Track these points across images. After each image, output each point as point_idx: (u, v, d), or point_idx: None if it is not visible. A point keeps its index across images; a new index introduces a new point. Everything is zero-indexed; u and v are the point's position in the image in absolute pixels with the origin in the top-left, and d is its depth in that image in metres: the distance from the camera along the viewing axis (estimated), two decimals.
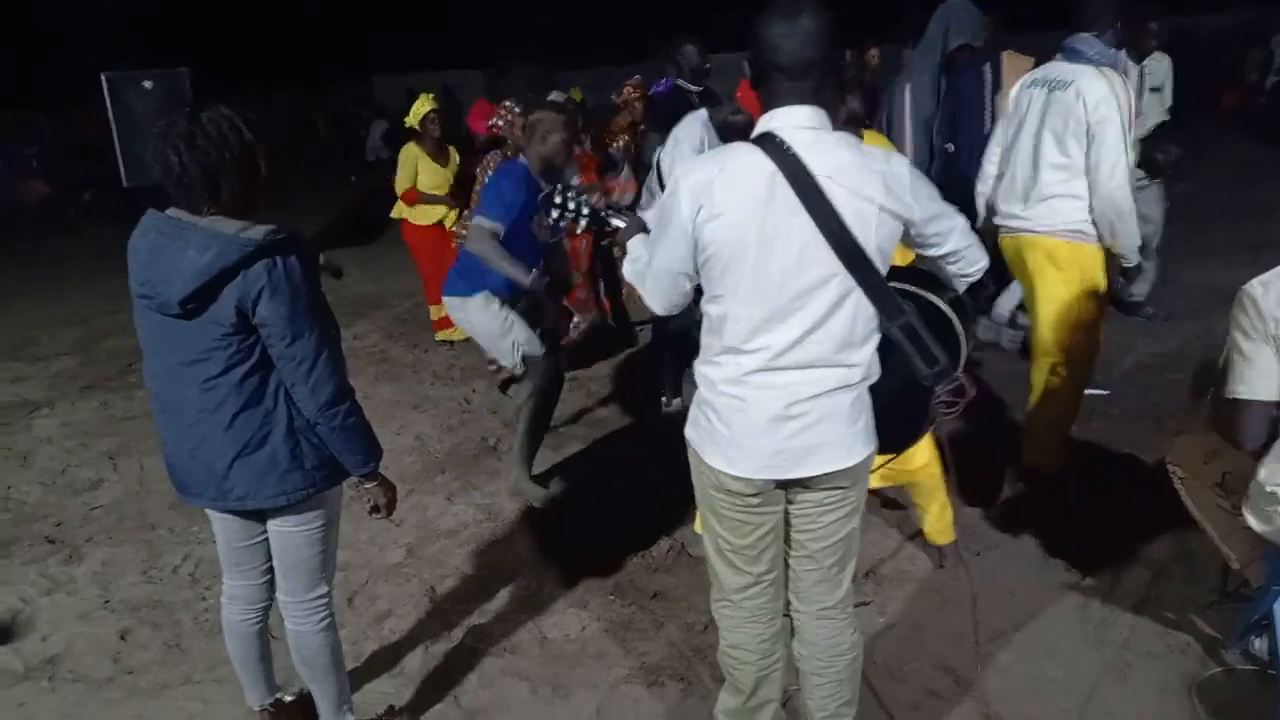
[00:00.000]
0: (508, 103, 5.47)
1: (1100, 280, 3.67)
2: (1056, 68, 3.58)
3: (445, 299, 4.17)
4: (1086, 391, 4.82)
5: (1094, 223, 3.55)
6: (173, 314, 2.15)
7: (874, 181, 1.92)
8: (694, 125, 4.47)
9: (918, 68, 4.27)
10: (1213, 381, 2.72)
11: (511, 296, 4.07)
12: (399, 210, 6.43)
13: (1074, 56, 3.52)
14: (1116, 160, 3.41)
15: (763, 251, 1.94)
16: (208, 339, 2.16)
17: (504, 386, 5.51)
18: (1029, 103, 3.63)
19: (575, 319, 6.06)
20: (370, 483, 2.44)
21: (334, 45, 23.09)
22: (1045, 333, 3.76)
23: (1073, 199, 3.54)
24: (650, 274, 2.16)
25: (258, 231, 2.11)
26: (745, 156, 1.96)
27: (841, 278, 1.94)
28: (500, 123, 5.41)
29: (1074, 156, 3.49)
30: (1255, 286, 2.33)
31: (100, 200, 13.24)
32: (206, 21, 21.76)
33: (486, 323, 4.05)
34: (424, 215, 6.34)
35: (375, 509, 2.51)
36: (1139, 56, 5.58)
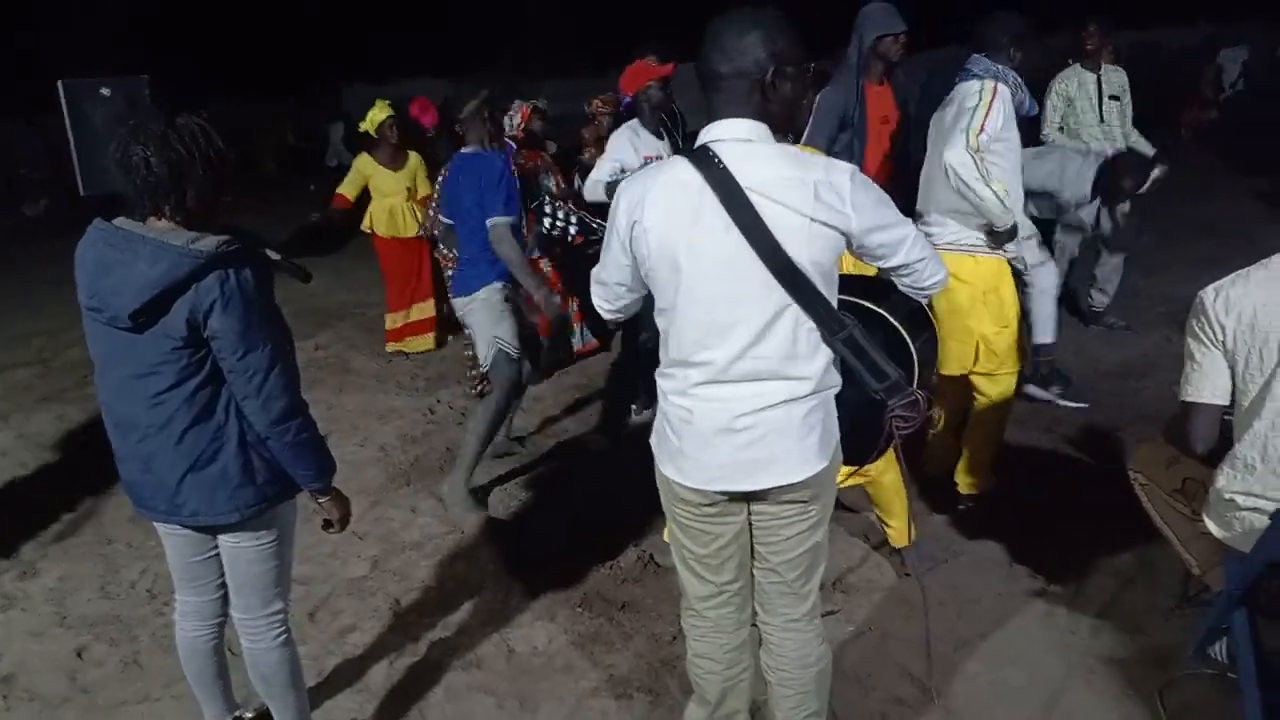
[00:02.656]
0: (519, 101, 5.52)
1: (1005, 291, 3.68)
2: (953, 89, 3.64)
3: (455, 300, 4.26)
4: (1065, 403, 4.88)
5: (989, 233, 3.57)
6: (122, 327, 2.10)
7: (805, 193, 1.88)
8: (620, 139, 4.51)
9: (835, 75, 4.37)
10: None
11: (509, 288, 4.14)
12: (369, 221, 6.41)
13: (964, 75, 3.59)
14: (955, 137, 3.41)
15: (693, 265, 1.93)
16: (158, 352, 2.12)
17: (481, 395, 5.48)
18: (933, 127, 3.70)
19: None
20: (323, 497, 2.40)
21: (301, 54, 22.92)
22: (953, 347, 3.70)
23: (968, 214, 3.55)
24: (599, 281, 2.20)
25: (209, 243, 2.07)
26: (676, 170, 1.96)
27: (776, 291, 1.92)
28: (520, 121, 5.40)
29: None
30: (1208, 293, 2.37)
31: (56, 209, 13.05)
32: (169, 31, 21.54)
33: (486, 311, 4.09)
34: (389, 227, 6.32)
35: (329, 524, 2.47)
36: (1092, 66, 5.68)
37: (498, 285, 4.08)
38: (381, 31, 24.16)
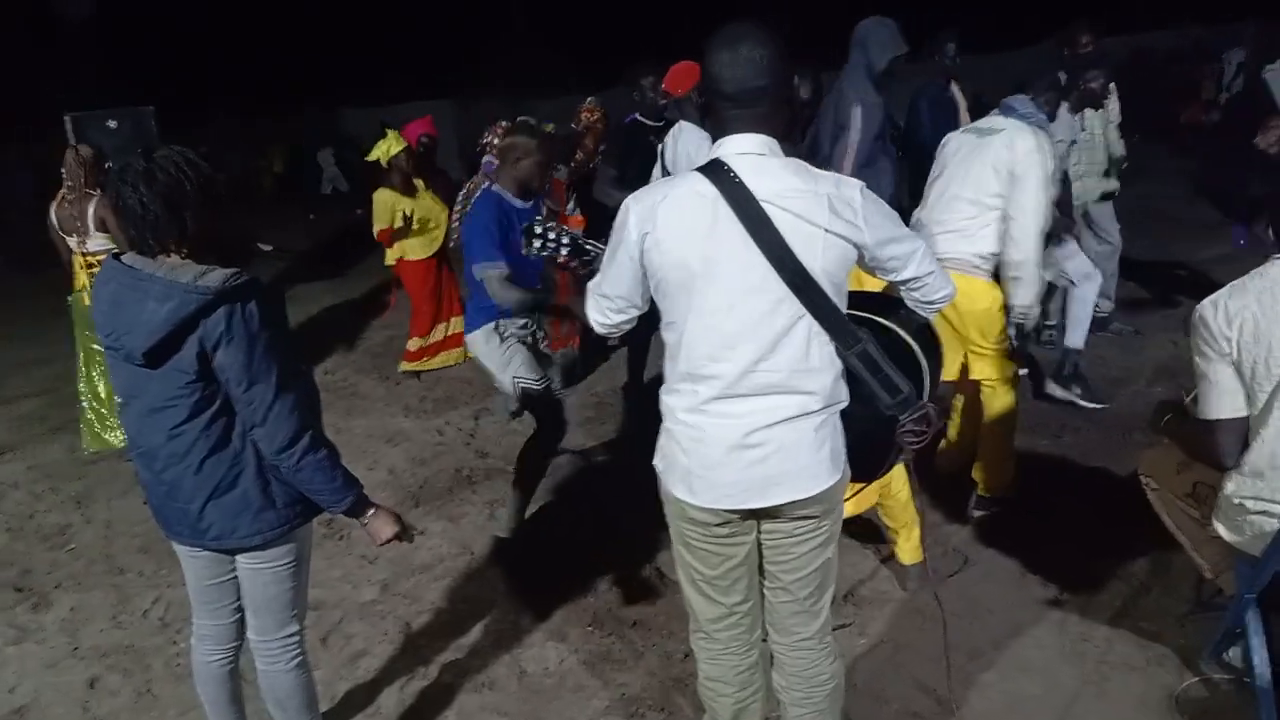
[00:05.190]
0: (504, 122, 5.50)
1: (990, 311, 3.69)
2: (989, 120, 3.75)
3: (466, 337, 4.12)
4: (1081, 402, 4.90)
5: (989, 258, 3.63)
6: (138, 363, 2.13)
7: (819, 205, 1.91)
8: (701, 142, 4.41)
9: (853, 86, 4.39)
10: (1169, 410, 2.75)
11: (519, 317, 4.00)
12: (399, 252, 6.33)
13: (1008, 112, 3.70)
14: (1036, 211, 3.52)
15: (708, 277, 1.94)
16: (172, 387, 2.15)
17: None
18: (959, 147, 3.75)
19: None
20: (361, 518, 2.38)
21: (298, 78, 23.05)
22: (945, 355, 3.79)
23: (974, 237, 3.61)
24: (599, 295, 2.16)
25: (215, 277, 2.09)
26: (690, 183, 1.97)
27: (790, 302, 1.93)
28: (495, 140, 5.38)
29: (988, 198, 3.58)
30: (1206, 307, 2.35)
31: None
32: (168, 58, 21.69)
33: (489, 355, 3.99)
34: (419, 250, 6.30)
35: (392, 539, 2.43)
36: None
37: (490, 326, 3.95)
38: (374, 54, 24.27)
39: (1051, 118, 3.82)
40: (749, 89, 1.93)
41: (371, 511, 2.40)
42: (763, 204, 1.90)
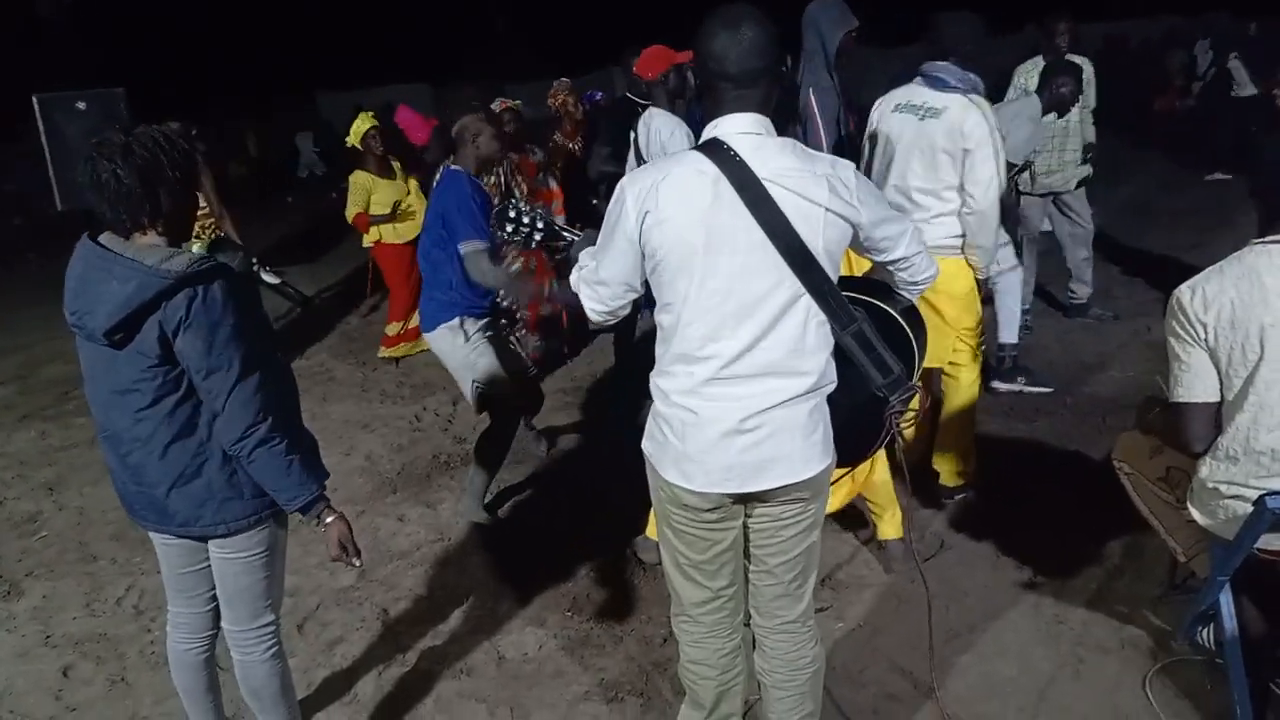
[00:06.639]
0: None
1: (966, 290, 3.68)
2: (920, 94, 3.58)
3: (424, 335, 4.04)
4: (1029, 389, 4.95)
5: (960, 238, 3.60)
6: (101, 344, 2.10)
7: (819, 184, 1.93)
8: (675, 129, 4.41)
9: (810, 71, 4.40)
10: (1155, 407, 2.76)
11: (486, 315, 3.95)
12: (376, 235, 6.37)
13: (939, 85, 3.53)
14: (990, 180, 3.47)
15: (710, 255, 1.93)
16: (136, 370, 2.12)
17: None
18: (898, 128, 3.63)
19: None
20: (311, 518, 2.32)
21: (275, 63, 22.78)
22: (934, 340, 3.77)
23: (939, 220, 3.58)
24: (595, 282, 2.11)
25: (180, 261, 2.05)
26: (690, 162, 1.96)
27: (790, 281, 1.94)
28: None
29: (944, 181, 3.53)
30: (1184, 292, 2.36)
31: (31, 225, 12.95)
32: (143, 41, 21.36)
33: (451, 354, 3.90)
34: (398, 234, 6.33)
35: (338, 556, 2.38)
36: (1055, 59, 5.70)
37: (454, 322, 3.85)
38: (352, 38, 24.03)
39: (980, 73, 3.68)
40: (750, 69, 1.93)
41: (331, 518, 2.33)
42: (764, 183, 1.90)
